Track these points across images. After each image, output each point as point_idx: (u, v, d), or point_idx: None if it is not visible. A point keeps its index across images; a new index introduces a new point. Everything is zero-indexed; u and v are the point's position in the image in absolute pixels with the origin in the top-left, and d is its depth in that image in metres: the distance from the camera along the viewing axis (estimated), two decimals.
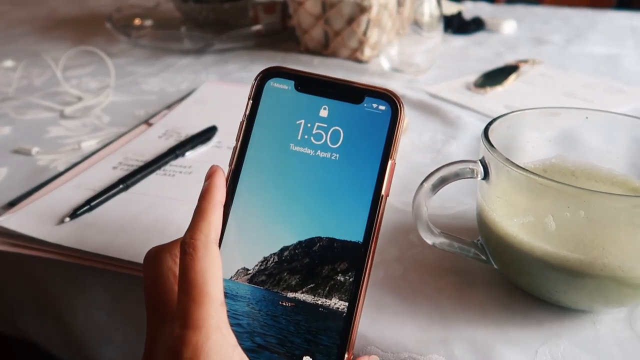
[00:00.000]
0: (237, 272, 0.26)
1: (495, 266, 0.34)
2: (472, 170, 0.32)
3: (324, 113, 0.27)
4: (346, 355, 0.24)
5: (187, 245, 0.23)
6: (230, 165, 0.27)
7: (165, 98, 0.68)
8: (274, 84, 0.28)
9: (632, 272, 0.28)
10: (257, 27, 0.93)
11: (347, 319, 0.24)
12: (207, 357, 0.21)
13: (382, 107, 0.27)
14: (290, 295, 0.25)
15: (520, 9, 1.24)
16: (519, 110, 0.36)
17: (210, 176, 0.26)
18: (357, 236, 0.25)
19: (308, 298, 0.25)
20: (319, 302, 0.25)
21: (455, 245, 0.34)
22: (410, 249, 0.38)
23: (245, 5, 1.00)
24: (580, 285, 0.29)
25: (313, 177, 0.26)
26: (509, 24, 1.03)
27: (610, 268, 0.28)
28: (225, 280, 0.25)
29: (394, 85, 0.72)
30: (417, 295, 0.34)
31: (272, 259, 0.26)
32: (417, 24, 0.76)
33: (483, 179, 0.32)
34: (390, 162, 0.26)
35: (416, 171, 0.49)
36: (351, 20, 0.79)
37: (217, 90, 0.64)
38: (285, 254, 0.26)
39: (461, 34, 1.00)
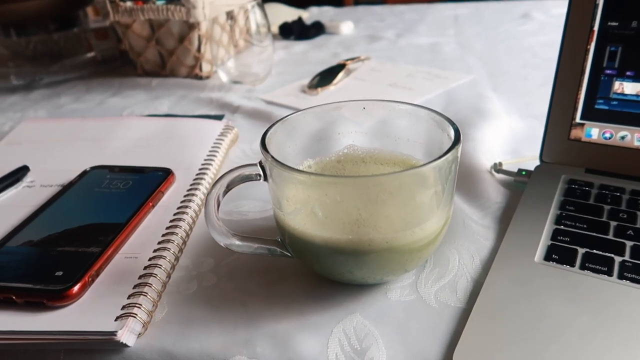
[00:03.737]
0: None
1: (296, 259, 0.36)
2: (252, 174, 0.33)
3: (123, 176, 0.46)
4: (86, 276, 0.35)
5: None
6: None
7: None
8: (97, 169, 0.48)
9: (395, 241, 0.30)
10: (91, 54, 0.90)
11: (96, 257, 0.36)
12: None
13: (160, 173, 0.47)
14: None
15: (360, 9, 1.32)
16: (300, 111, 0.38)
17: None
18: (121, 219, 0.40)
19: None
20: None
21: (254, 246, 0.35)
22: (226, 257, 0.39)
23: (77, 33, 0.95)
24: (359, 262, 0.31)
25: (103, 200, 0.43)
26: (346, 25, 1.08)
27: (376, 242, 0.30)
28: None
29: (232, 97, 0.73)
30: (228, 301, 0.35)
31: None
32: (250, 34, 0.77)
33: (265, 180, 0.33)
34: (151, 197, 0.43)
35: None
36: (182, 38, 0.79)
37: (35, 129, 0.61)
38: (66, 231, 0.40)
39: (303, 39, 1.04)
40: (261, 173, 0.33)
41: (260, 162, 0.33)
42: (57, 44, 0.93)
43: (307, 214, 0.31)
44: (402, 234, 0.31)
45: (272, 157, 0.31)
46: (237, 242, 0.35)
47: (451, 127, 0.33)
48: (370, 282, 0.34)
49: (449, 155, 0.30)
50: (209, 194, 0.33)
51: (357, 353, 0.30)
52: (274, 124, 0.36)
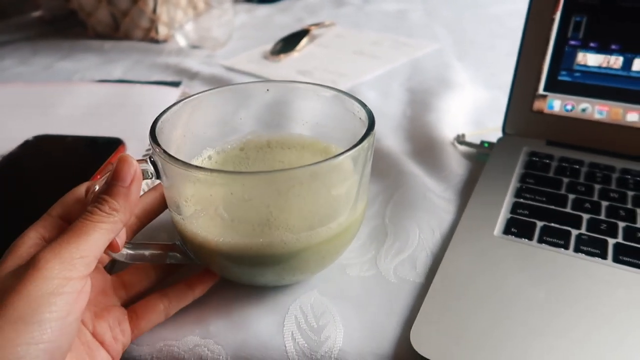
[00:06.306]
0: None
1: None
2: (143, 171, 0.27)
3: (69, 146, 0.44)
4: None
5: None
6: None
7: None
8: (40, 139, 0.45)
9: (308, 240, 0.27)
10: (38, 13, 0.84)
11: None
12: None
13: (109, 143, 0.44)
14: None
15: None
16: (197, 94, 0.33)
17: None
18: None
19: None
20: None
21: (147, 253, 0.30)
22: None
23: None
24: (272, 265, 0.28)
25: (46, 172, 0.41)
26: None
27: (291, 243, 0.27)
28: None
29: (190, 62, 0.69)
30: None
31: None
32: None
33: (157, 178, 0.28)
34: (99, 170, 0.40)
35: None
36: None
37: None
38: None
39: (266, 3, 1.00)
40: (153, 170, 0.28)
41: (150, 158, 0.28)
42: (0, 2, 0.87)
43: (210, 217, 0.27)
44: (317, 231, 0.27)
45: (164, 151, 0.26)
46: (127, 252, 0.29)
47: (363, 110, 0.30)
48: (284, 284, 0.32)
49: (364, 143, 0.27)
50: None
51: (313, 331, 0.29)
52: (166, 110, 0.30)
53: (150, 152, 0.30)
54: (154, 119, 0.29)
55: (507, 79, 0.45)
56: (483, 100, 0.57)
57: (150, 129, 0.28)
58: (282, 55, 0.70)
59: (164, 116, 0.30)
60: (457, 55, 0.71)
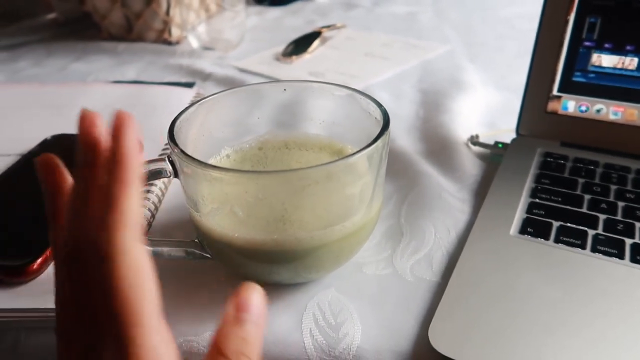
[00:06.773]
0: None
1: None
2: (160, 170, 0.29)
3: None
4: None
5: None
6: None
7: None
8: (58, 138, 0.45)
9: (325, 237, 0.28)
10: (52, 15, 0.85)
11: None
12: None
13: None
14: None
15: None
16: (215, 94, 0.34)
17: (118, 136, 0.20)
18: None
19: None
20: None
21: (166, 250, 0.31)
22: None
23: None
24: (287, 262, 0.29)
25: None
26: None
27: (304, 240, 0.28)
28: None
29: (203, 63, 0.70)
30: (195, 272, 0.33)
31: None
32: None
33: (175, 177, 0.29)
34: None
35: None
36: (150, 0, 0.75)
37: None
38: None
39: (277, 5, 1.01)
40: (171, 169, 0.29)
41: (168, 157, 0.29)
42: (14, 3, 0.88)
43: (226, 214, 0.28)
44: (331, 230, 0.28)
45: (182, 150, 0.27)
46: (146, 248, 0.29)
47: (378, 110, 0.30)
48: (300, 282, 0.32)
49: (379, 142, 0.27)
50: None
51: (331, 328, 0.29)
52: (184, 110, 0.31)
53: (168, 151, 0.31)
54: (168, 119, 0.30)
55: (518, 81, 0.45)
56: (495, 101, 0.57)
57: (169, 129, 0.29)
58: (293, 57, 0.70)
59: (182, 116, 0.31)
60: (468, 57, 0.71)
